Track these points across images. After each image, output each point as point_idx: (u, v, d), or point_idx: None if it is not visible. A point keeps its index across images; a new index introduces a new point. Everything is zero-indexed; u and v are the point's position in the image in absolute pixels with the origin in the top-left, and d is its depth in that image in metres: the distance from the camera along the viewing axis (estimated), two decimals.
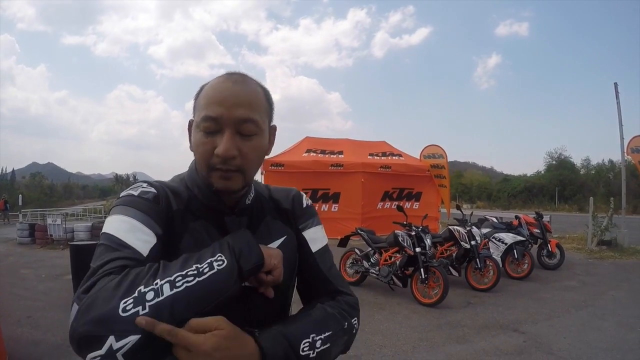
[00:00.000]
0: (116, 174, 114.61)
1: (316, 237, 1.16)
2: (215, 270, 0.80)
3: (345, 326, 1.00)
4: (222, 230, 0.99)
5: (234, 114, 0.92)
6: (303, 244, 1.14)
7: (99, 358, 0.67)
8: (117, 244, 0.85)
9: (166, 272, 0.77)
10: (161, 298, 0.72)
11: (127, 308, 0.70)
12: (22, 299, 6.87)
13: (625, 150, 12.70)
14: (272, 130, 1.07)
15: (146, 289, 0.73)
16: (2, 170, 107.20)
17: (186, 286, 0.75)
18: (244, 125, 0.93)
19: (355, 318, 1.05)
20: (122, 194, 0.97)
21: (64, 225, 14.42)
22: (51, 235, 14.44)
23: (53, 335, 5.07)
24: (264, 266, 0.88)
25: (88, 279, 0.78)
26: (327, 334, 0.94)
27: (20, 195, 30.25)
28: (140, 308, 0.70)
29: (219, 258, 0.82)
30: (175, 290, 0.74)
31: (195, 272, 0.78)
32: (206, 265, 0.80)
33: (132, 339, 0.68)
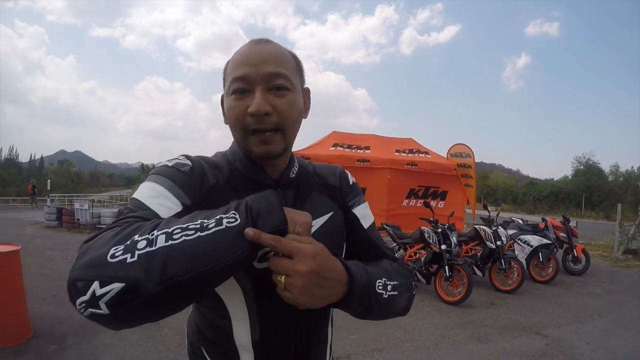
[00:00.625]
0: (142, 164, 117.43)
1: (365, 214, 1.17)
2: (224, 226, 0.72)
3: (408, 283, 1.03)
4: None
5: (262, 70, 0.91)
6: (354, 221, 1.14)
7: (84, 304, 0.65)
8: (137, 207, 0.84)
9: (168, 224, 0.71)
10: (153, 248, 0.66)
11: (116, 254, 0.65)
12: (48, 279, 7.06)
13: None
14: (307, 92, 1.06)
15: (140, 238, 0.68)
16: (31, 156, 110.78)
17: (184, 239, 0.68)
18: (274, 80, 0.92)
19: (413, 282, 1.08)
20: (158, 165, 0.96)
21: (91, 211, 14.68)
22: (78, 219, 14.74)
23: (78, 314, 5.19)
24: (286, 232, 0.78)
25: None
26: (395, 282, 0.97)
27: (48, 180, 30.96)
28: (128, 255, 0.65)
29: (232, 215, 0.74)
30: (170, 242, 0.67)
31: (198, 226, 0.71)
32: (213, 221, 0.72)
33: (116, 286, 0.63)
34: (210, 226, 0.71)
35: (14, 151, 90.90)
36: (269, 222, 0.76)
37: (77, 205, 15.29)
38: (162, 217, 0.81)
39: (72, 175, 79.74)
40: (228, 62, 0.98)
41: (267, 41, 0.97)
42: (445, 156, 12.50)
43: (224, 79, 0.98)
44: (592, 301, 6.92)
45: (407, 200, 11.55)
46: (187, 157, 0.97)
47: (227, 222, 0.72)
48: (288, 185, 1.04)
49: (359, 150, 11.70)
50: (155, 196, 0.86)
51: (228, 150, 1.07)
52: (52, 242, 11.73)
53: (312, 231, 0.90)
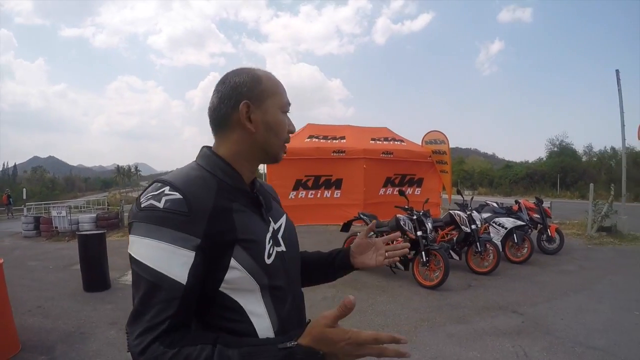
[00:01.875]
0: (118, 166, 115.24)
1: None
2: None
3: None
4: (258, 207, 1.09)
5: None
6: None
7: None
8: (155, 277, 0.87)
9: None
10: None
11: None
12: (31, 290, 6.96)
13: (637, 136, 12.47)
14: None
15: None
16: (4, 165, 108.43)
17: None
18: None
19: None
20: (144, 203, 0.93)
21: (69, 217, 14.55)
22: (56, 227, 14.57)
23: (64, 323, 5.17)
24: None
25: (137, 328, 0.85)
26: None
27: (24, 189, 30.21)
28: None
29: None
30: None
31: None
32: None
33: None
34: None
35: None
36: None
37: (54, 213, 15.11)
38: (181, 280, 0.87)
39: (46, 182, 78.31)
40: (257, 79, 1.07)
41: None
42: (420, 144, 12.60)
43: (261, 93, 1.07)
44: (566, 278, 7.08)
45: (383, 189, 11.61)
46: (172, 186, 0.94)
47: None
48: (259, 192, 1.14)
49: (334, 141, 11.69)
50: (164, 258, 0.88)
51: (201, 162, 1.07)
52: (32, 252, 11.58)
53: (282, 231, 1.16)
